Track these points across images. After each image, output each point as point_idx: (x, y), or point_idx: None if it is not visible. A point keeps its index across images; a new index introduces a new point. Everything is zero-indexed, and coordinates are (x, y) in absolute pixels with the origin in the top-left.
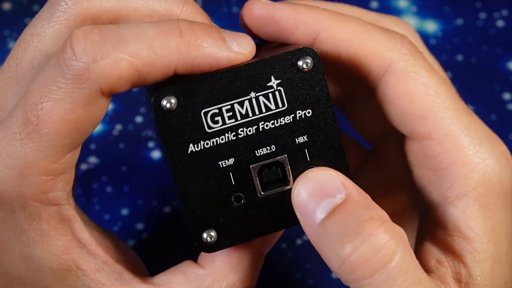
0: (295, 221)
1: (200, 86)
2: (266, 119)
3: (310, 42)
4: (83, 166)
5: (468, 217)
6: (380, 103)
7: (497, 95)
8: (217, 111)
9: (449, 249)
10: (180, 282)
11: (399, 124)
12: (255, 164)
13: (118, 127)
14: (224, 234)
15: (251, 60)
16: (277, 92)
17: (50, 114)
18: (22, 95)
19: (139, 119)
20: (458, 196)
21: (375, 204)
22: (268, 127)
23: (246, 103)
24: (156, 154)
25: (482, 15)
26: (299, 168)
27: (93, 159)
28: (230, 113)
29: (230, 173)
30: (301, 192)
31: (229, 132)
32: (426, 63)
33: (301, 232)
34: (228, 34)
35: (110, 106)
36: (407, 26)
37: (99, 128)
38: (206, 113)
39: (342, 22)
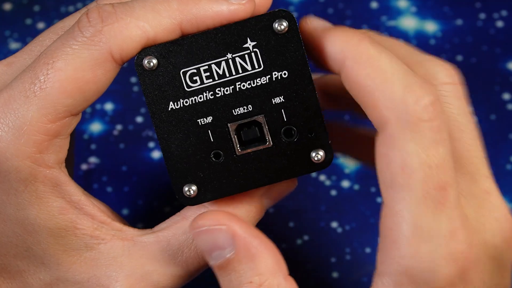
0: (273, 179)
1: (180, 47)
2: (243, 79)
3: (336, 69)
4: (83, 166)
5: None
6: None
7: (497, 95)
8: (195, 71)
9: None
10: (178, 223)
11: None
12: (233, 123)
13: (118, 127)
14: (204, 188)
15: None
16: (253, 54)
17: (59, 72)
18: (33, 60)
19: (139, 119)
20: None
21: (259, 257)
22: (245, 87)
23: (223, 63)
24: (156, 154)
25: (482, 16)
26: (277, 128)
27: (93, 159)
28: (208, 73)
29: (209, 131)
30: (197, 243)
31: (207, 91)
32: (423, 139)
33: (301, 232)
34: None
35: (110, 106)
36: (453, 73)
37: (99, 128)
38: (185, 73)
39: (362, 63)
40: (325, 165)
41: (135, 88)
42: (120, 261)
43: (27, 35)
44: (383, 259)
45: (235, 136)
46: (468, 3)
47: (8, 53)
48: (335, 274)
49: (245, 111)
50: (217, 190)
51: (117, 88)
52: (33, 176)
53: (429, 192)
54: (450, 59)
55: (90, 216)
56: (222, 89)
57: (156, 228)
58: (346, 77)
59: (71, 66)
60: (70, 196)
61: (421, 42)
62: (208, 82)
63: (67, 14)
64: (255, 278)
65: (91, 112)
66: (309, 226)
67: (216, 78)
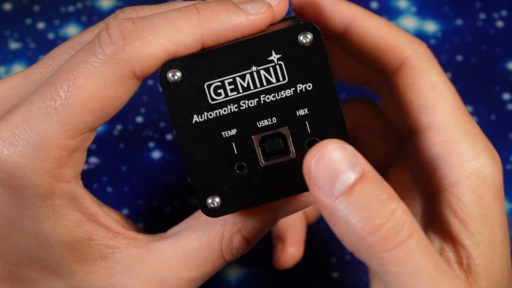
0: (296, 190)
1: (204, 60)
2: (267, 92)
3: (341, 28)
4: (83, 166)
5: (463, 202)
6: (392, 94)
7: (497, 95)
8: (219, 83)
9: (448, 235)
10: (192, 227)
11: (405, 115)
12: (257, 135)
13: (118, 127)
14: (227, 200)
15: (257, 34)
16: (277, 66)
17: (81, 90)
18: (51, 74)
19: (139, 119)
20: (453, 183)
21: (384, 181)
22: (269, 99)
23: (248, 76)
24: (156, 154)
25: (482, 16)
26: (300, 140)
27: (93, 159)
28: (232, 86)
29: (233, 143)
30: (317, 163)
31: (231, 104)
32: (438, 66)
33: None
34: (242, 1)
35: None
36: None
37: (99, 128)
38: (209, 86)
39: (372, 17)
40: None
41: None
42: (135, 269)
43: (27, 35)
44: (443, 174)
45: (259, 148)
46: (468, 3)
47: (8, 53)
48: (335, 274)
49: (269, 123)
50: (241, 202)
51: None
52: (50, 191)
53: (458, 100)
54: (450, 59)
55: (105, 227)
56: (246, 101)
57: (170, 232)
58: (357, 32)
59: (92, 83)
60: (86, 209)
61: None
62: (232, 94)
63: (67, 14)
64: (389, 193)
65: None
66: (309, 226)
67: (241, 91)
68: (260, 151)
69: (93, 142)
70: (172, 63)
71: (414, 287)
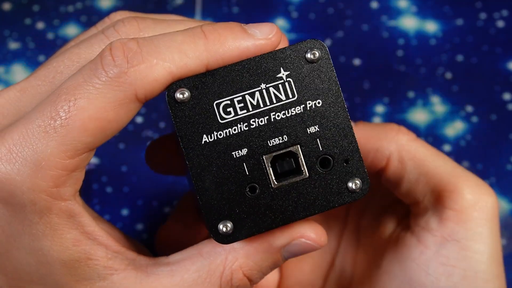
0: (309, 211)
1: (212, 79)
2: (277, 109)
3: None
4: None
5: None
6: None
7: (497, 95)
8: (229, 102)
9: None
10: (193, 258)
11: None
12: (268, 155)
13: None
14: (240, 224)
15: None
16: (286, 83)
17: (82, 111)
18: (51, 93)
19: (139, 119)
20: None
21: None
22: (280, 117)
23: (257, 94)
24: None
25: (482, 15)
26: (312, 158)
27: (93, 159)
28: (242, 104)
29: (244, 164)
30: None
31: (241, 123)
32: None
33: None
34: (250, 25)
35: None
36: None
37: None
38: (218, 105)
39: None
40: (362, 194)
41: None
42: None
43: (27, 35)
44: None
45: (270, 168)
46: (469, 3)
47: (8, 53)
48: None
49: (280, 141)
50: (253, 227)
51: None
52: (47, 209)
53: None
54: (451, 59)
55: (104, 246)
56: (256, 120)
57: (171, 258)
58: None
59: (93, 105)
60: (84, 227)
61: (421, 42)
62: (242, 113)
63: (67, 14)
64: None
65: None
66: None
67: (250, 109)
68: (271, 172)
69: None
70: (180, 82)
71: None
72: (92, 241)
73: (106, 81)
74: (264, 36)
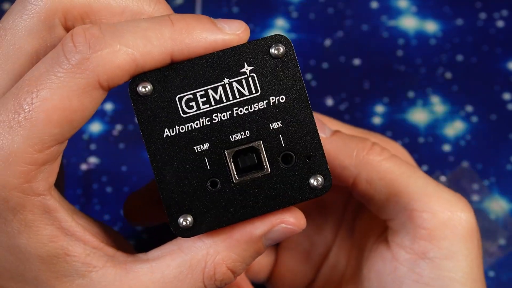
0: (271, 207)
1: (175, 72)
2: (240, 104)
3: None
4: (83, 166)
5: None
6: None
7: (497, 95)
8: (191, 96)
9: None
10: (173, 254)
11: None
12: (230, 150)
13: (118, 127)
14: (200, 219)
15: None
16: (250, 78)
17: (45, 102)
18: (15, 85)
19: None
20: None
21: None
22: (242, 112)
23: (220, 89)
24: None
25: (482, 15)
26: (275, 154)
27: (93, 159)
28: (204, 99)
29: (205, 158)
30: None
31: (204, 117)
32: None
33: None
34: (219, 20)
35: (110, 106)
36: (395, 144)
37: (99, 128)
38: (180, 99)
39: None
40: (324, 191)
41: None
42: None
43: None
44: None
45: (232, 163)
46: (469, 3)
47: None
48: None
49: (242, 137)
50: (214, 221)
51: (117, 88)
52: (21, 206)
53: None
54: (451, 59)
55: (82, 242)
56: (219, 114)
57: (150, 254)
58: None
59: (57, 95)
60: (60, 223)
61: (421, 42)
62: (204, 107)
63: None
64: None
65: None
66: None
67: (213, 104)
68: (233, 167)
69: (93, 142)
70: (143, 75)
71: None
72: (70, 236)
73: (68, 69)
74: (232, 31)
